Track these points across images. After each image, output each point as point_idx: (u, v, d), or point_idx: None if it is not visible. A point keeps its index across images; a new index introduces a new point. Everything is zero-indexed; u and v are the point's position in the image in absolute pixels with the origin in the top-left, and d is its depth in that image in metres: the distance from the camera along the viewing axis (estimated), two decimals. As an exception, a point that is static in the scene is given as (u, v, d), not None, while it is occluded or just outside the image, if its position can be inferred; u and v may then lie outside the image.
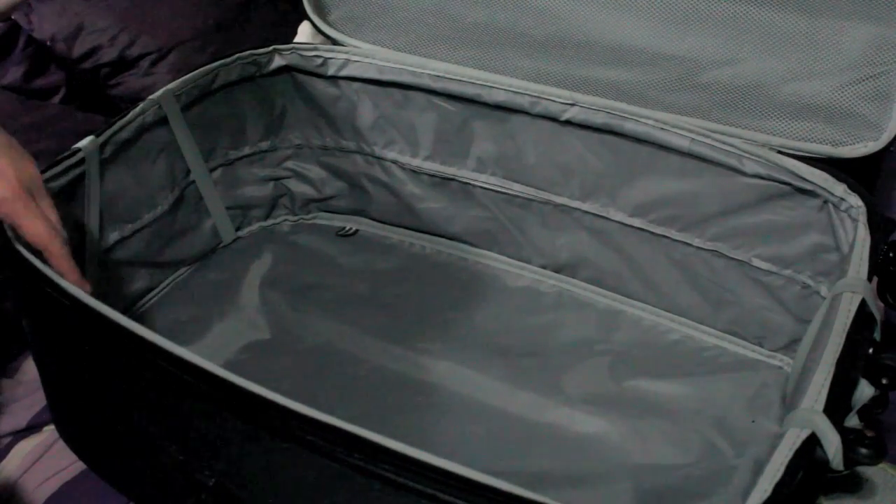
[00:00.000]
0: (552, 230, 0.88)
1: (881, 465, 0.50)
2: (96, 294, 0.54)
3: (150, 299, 0.85)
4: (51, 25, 1.17)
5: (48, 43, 1.17)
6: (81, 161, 0.72)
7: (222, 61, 0.85)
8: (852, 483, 0.54)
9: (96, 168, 0.73)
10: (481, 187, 0.90)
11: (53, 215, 0.60)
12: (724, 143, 0.74)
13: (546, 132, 0.83)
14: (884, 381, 0.53)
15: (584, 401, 0.76)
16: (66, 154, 0.71)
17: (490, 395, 0.77)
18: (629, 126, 0.77)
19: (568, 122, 0.81)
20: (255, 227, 0.96)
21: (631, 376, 0.79)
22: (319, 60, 0.89)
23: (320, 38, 0.91)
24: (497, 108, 0.84)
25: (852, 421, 0.50)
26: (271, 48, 0.88)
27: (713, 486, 0.68)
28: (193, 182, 0.87)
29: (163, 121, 0.81)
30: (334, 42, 0.90)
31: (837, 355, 0.51)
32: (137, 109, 0.78)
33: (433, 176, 0.92)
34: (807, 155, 0.72)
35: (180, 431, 0.53)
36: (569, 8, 0.77)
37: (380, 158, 0.94)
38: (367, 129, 0.92)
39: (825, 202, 0.70)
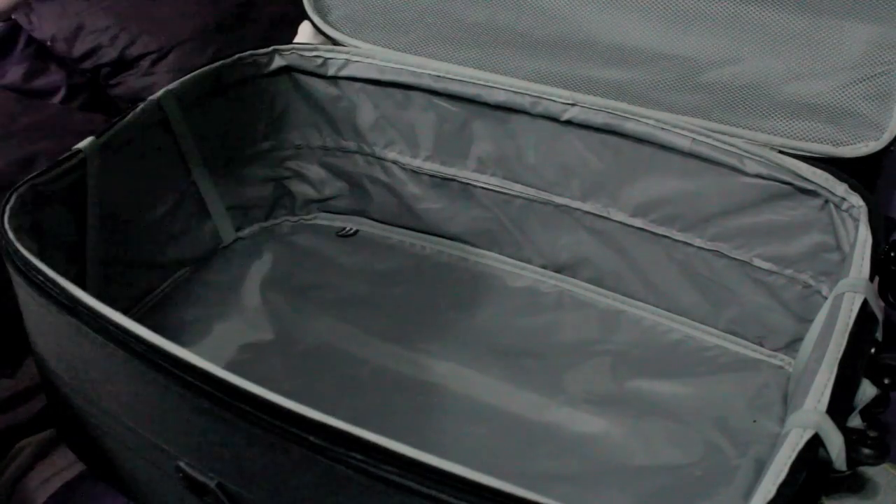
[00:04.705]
0: (553, 230, 0.88)
1: (884, 466, 0.50)
2: (97, 295, 0.54)
3: (151, 300, 0.85)
4: (51, 25, 1.17)
5: (48, 43, 1.17)
6: (82, 161, 0.71)
7: (223, 62, 0.85)
8: (855, 483, 0.54)
9: (97, 169, 0.73)
10: (482, 188, 0.90)
11: None
12: (725, 142, 0.74)
13: (547, 132, 0.83)
14: (885, 381, 0.53)
15: (585, 401, 0.76)
16: (66, 154, 0.70)
17: (491, 396, 0.77)
18: (630, 126, 0.77)
19: (569, 123, 0.80)
20: (255, 227, 0.96)
21: (632, 376, 0.79)
22: (319, 60, 0.88)
23: (320, 38, 0.91)
24: (497, 109, 0.84)
25: (855, 421, 0.50)
26: (271, 48, 0.88)
27: (715, 486, 0.68)
28: (194, 182, 0.87)
29: (163, 121, 0.81)
30: (334, 42, 0.90)
31: (840, 355, 0.52)
32: (138, 110, 0.77)
33: (433, 176, 0.92)
34: (808, 155, 0.72)
35: (182, 433, 0.53)
36: (569, 8, 0.77)
37: (380, 159, 0.94)
38: (367, 130, 0.92)
39: (826, 202, 0.70)
